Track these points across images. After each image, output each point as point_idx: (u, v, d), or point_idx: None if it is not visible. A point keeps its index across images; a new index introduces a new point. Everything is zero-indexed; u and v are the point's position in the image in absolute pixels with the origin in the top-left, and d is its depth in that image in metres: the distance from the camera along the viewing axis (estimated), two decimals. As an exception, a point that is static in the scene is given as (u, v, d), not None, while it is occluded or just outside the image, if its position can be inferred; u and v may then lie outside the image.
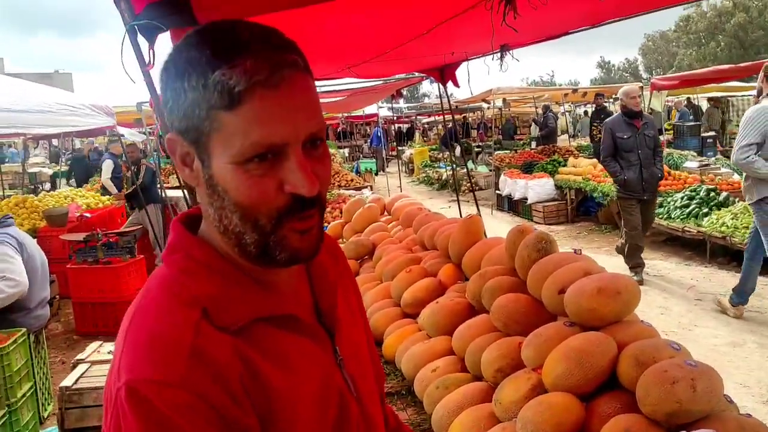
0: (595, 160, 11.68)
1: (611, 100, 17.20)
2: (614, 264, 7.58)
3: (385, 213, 5.17)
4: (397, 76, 8.00)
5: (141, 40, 2.27)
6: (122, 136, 8.95)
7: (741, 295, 5.64)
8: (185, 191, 3.28)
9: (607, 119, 7.83)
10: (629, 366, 1.84)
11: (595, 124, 13.38)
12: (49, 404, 4.57)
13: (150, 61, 2.25)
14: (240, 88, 0.78)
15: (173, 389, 0.76)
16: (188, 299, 0.84)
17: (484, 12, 2.71)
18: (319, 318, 1.01)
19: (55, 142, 20.88)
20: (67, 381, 3.89)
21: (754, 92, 5.87)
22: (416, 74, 7.54)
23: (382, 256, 3.92)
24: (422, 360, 2.63)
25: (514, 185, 11.84)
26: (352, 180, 10.59)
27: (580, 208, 11.25)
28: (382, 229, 4.62)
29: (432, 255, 3.53)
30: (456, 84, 5.78)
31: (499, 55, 4.54)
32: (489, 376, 2.26)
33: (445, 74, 5.69)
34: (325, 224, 6.39)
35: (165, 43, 2.29)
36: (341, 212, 5.73)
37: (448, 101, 6.80)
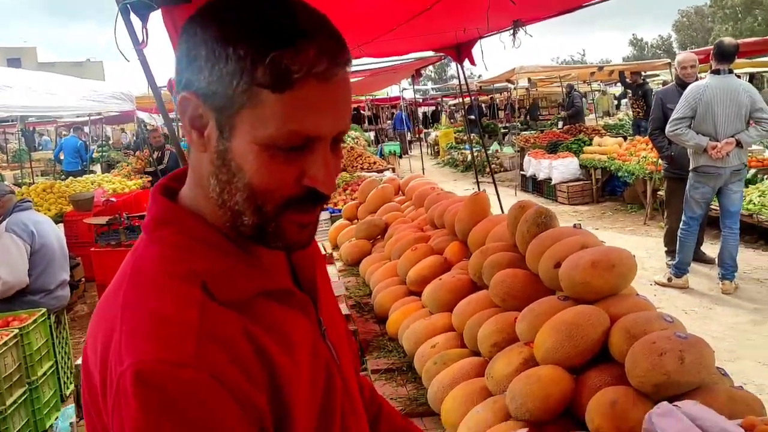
0: (620, 138, 11.49)
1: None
2: (636, 243, 7.48)
3: (400, 193, 5.15)
4: (415, 56, 7.95)
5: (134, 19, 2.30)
6: (143, 121, 9.06)
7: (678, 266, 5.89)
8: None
9: (659, 89, 7.34)
10: (620, 338, 1.81)
11: (634, 99, 12.83)
12: (71, 383, 4.69)
13: (143, 39, 2.27)
14: (298, 75, 0.75)
15: (186, 369, 0.72)
16: (185, 275, 0.81)
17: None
18: (300, 289, 0.99)
19: (86, 129, 21.25)
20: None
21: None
22: (434, 54, 7.48)
23: (393, 235, 3.91)
24: (423, 336, 2.63)
25: (538, 165, 11.70)
26: (375, 163, 10.52)
27: (605, 187, 11.08)
28: (395, 209, 4.61)
29: (439, 233, 3.51)
30: (472, 62, 5.71)
31: (511, 31, 4.49)
32: (485, 351, 2.25)
33: (461, 52, 5.63)
34: (343, 205, 6.41)
35: (158, 21, 2.31)
36: (359, 193, 5.70)
37: (466, 80, 6.74)
